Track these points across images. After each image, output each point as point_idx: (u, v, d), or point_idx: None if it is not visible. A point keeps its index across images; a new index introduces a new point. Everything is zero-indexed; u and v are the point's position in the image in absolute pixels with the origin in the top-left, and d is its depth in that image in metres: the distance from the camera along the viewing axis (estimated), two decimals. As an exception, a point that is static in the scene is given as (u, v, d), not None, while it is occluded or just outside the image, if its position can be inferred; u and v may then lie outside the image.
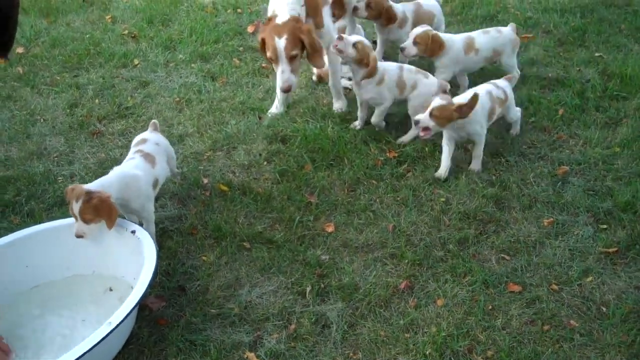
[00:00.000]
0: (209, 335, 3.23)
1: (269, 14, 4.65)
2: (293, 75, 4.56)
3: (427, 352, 3.04)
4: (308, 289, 3.46)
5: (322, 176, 4.35)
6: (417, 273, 3.55)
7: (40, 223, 3.76)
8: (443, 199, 4.09)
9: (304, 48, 4.57)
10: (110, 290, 3.50)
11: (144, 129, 4.63)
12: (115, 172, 3.64)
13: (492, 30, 5.23)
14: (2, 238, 3.58)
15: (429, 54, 5.01)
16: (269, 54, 4.54)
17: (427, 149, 4.59)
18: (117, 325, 2.84)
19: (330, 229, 3.89)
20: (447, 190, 4.18)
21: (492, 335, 3.14)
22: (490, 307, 3.30)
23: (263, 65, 5.97)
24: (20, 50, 6.53)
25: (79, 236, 3.36)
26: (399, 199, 4.13)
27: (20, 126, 5.19)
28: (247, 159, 4.60)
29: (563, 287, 3.40)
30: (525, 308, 3.29)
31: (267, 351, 3.11)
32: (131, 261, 3.40)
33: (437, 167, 4.36)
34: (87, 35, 6.91)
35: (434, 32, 5.00)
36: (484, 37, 5.16)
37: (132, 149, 3.99)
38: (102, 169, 4.42)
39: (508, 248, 3.69)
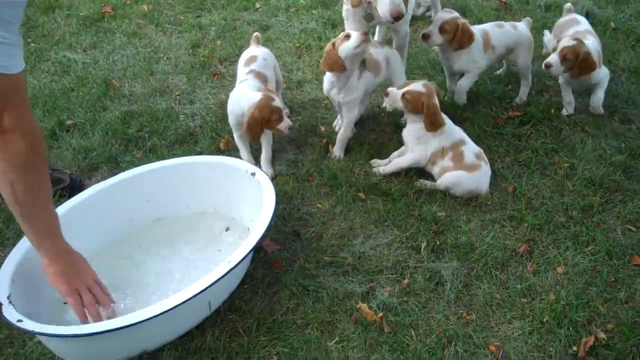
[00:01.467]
0: (322, 282, 3.24)
1: None
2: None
3: (544, 320, 2.96)
4: (423, 244, 3.42)
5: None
6: (536, 238, 3.45)
7: (162, 159, 3.84)
8: (567, 164, 3.94)
9: None
10: (227, 230, 3.55)
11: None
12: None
13: (507, 25, 4.62)
14: (126, 172, 3.69)
15: (456, 46, 4.32)
16: None
17: (552, 110, 4.42)
18: (237, 265, 2.89)
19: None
20: (571, 155, 4.01)
21: (614, 307, 3.03)
22: (613, 279, 3.18)
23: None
24: (145, -12, 6.66)
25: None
26: (520, 160, 4.00)
27: (144, 63, 5.31)
28: (365, 110, 4.54)
29: (693, 264, 3.24)
30: (651, 283, 3.15)
31: (380, 303, 3.10)
32: (249, 203, 3.45)
33: (562, 130, 4.21)
34: (211, -24, 6.95)
35: (464, 20, 4.35)
36: (498, 31, 4.55)
37: (244, 69, 4.18)
38: (222, 110, 4.48)
39: (635, 219, 3.53)
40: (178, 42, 5.64)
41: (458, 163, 3.75)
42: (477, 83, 4.67)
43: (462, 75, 4.55)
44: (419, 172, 3.93)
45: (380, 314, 3.03)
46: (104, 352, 2.83)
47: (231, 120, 4.04)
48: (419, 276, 3.25)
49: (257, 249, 3.33)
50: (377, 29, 5.26)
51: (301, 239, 3.54)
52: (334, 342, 2.93)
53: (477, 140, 4.13)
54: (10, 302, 2.75)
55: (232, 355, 2.89)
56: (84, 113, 4.64)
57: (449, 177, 3.75)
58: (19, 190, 2.58)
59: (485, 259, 3.32)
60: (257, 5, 6.26)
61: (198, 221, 3.65)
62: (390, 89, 3.90)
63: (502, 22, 4.64)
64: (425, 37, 4.30)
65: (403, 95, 3.79)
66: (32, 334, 2.80)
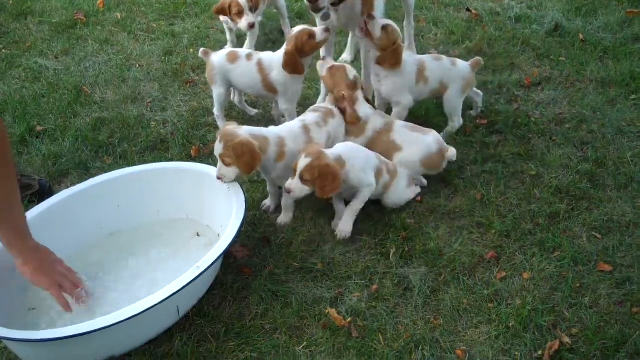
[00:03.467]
0: (291, 288, 3.25)
1: None
2: None
3: (510, 324, 2.99)
4: (392, 250, 3.45)
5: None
6: (504, 244, 3.48)
7: (132, 165, 3.84)
8: (534, 172, 3.98)
9: None
10: (198, 235, 3.55)
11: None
12: None
13: (446, 60, 4.35)
14: (95, 177, 3.68)
15: (388, 64, 4.12)
16: None
17: (520, 119, 4.48)
18: (205, 270, 2.90)
19: (418, 199, 3.85)
20: (539, 163, 4.07)
21: (579, 312, 3.06)
22: (578, 284, 3.22)
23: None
24: (119, -4, 6.66)
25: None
26: (488, 168, 4.04)
27: (116, 70, 5.32)
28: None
29: (656, 270, 3.29)
30: (615, 288, 3.19)
31: (348, 308, 3.12)
32: (219, 209, 3.46)
33: (530, 139, 4.28)
34: (185, -15, 6.97)
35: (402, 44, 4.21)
36: (435, 64, 4.31)
37: None
38: (194, 117, 4.51)
39: (600, 226, 3.58)
40: (151, 49, 5.66)
41: (394, 175, 3.76)
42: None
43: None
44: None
45: (349, 319, 3.05)
46: (71, 357, 2.82)
47: None
48: (387, 282, 3.27)
49: (227, 255, 3.35)
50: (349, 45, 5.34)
51: (271, 245, 3.55)
52: (302, 346, 2.94)
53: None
54: (-25, 307, 2.74)
55: (200, 360, 2.89)
56: (54, 119, 4.64)
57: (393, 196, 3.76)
58: None
59: (453, 264, 3.35)
60: (231, 14, 6.27)
61: (168, 227, 3.64)
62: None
63: (441, 56, 4.42)
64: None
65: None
66: (-1, 339, 2.78)
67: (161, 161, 4.09)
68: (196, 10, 6.41)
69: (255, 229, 3.63)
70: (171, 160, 4.13)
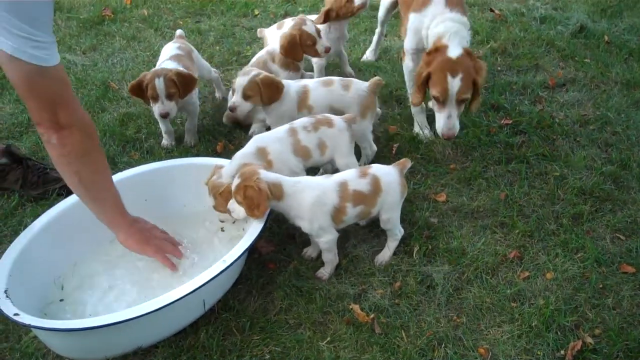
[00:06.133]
0: (315, 284, 3.29)
1: (431, 37, 3.94)
2: (458, 120, 3.87)
3: (533, 324, 3.00)
4: (415, 248, 3.47)
5: (433, 140, 4.32)
6: (527, 244, 3.49)
7: (159, 160, 3.89)
8: (557, 173, 3.99)
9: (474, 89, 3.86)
10: (222, 230, 3.59)
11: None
12: None
13: (337, 83, 4.01)
14: (123, 172, 3.75)
15: (268, 102, 3.95)
16: (434, 92, 3.81)
17: (544, 120, 4.48)
18: (231, 264, 2.94)
19: (441, 199, 3.87)
20: (563, 164, 4.07)
21: (602, 313, 3.07)
22: (601, 285, 3.22)
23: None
24: (146, -8, 6.73)
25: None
26: (512, 168, 4.05)
27: (143, 66, 5.38)
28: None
29: (679, 273, 3.29)
30: (638, 290, 3.19)
31: (372, 305, 3.15)
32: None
33: (554, 139, 4.28)
34: (211, -17, 7.02)
35: (263, 73, 3.97)
36: (322, 90, 4.00)
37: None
38: (219, 114, 4.55)
39: (624, 228, 3.58)
40: (177, 46, 5.69)
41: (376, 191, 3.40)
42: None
43: None
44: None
45: (372, 315, 3.07)
46: (99, 348, 2.86)
47: None
48: (410, 279, 3.29)
49: (252, 250, 3.39)
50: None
51: (295, 242, 3.59)
52: (325, 342, 2.97)
53: (471, 148, 4.20)
54: (7, 296, 2.80)
55: (225, 353, 2.93)
56: (82, 114, 4.68)
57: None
58: (84, 177, 2.89)
59: (476, 263, 3.36)
60: (256, 12, 6.35)
61: (194, 221, 3.69)
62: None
63: (333, 79, 4.07)
64: (233, 109, 3.98)
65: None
66: (28, 328, 2.84)
67: (187, 156, 4.14)
68: (222, 7, 6.46)
69: (280, 225, 3.66)
70: (197, 155, 4.17)
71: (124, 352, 2.91)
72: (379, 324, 3.04)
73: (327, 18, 4.56)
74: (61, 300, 3.17)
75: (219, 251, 3.36)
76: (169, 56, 4.38)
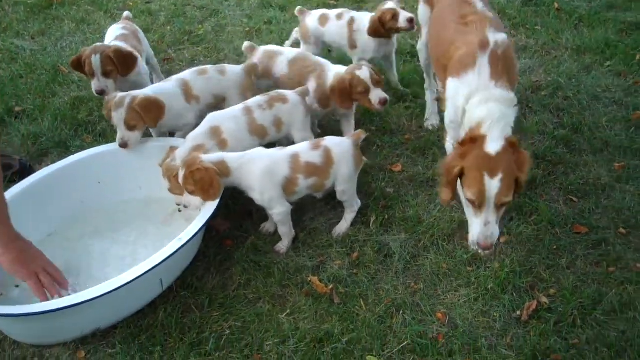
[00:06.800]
0: (273, 258, 3.30)
1: (468, 120, 3.08)
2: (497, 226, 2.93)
3: (489, 287, 3.04)
4: (372, 219, 3.49)
5: (387, 111, 4.34)
6: (482, 210, 3.53)
7: (112, 143, 3.84)
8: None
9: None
10: (179, 211, 3.57)
11: (213, 57, 4.71)
12: None
13: (212, 70, 4.00)
14: (75, 155, 3.70)
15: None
16: (469, 194, 2.91)
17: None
18: (187, 242, 2.93)
19: (397, 169, 3.89)
20: (515, 130, 4.08)
21: (556, 274, 3.13)
22: (555, 246, 3.28)
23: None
24: (94, -25, 6.61)
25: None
26: (466, 136, 4.08)
27: (93, 49, 5.28)
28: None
29: (631, 230, 3.34)
30: (591, 249, 3.25)
31: (330, 276, 3.16)
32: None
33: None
34: (160, -37, 6.93)
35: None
36: (200, 80, 3.95)
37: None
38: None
39: (576, 190, 3.63)
40: (127, 27, 5.62)
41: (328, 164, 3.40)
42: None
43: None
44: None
45: (331, 286, 3.09)
46: (57, 331, 2.84)
47: None
48: (368, 249, 3.31)
49: (209, 228, 3.37)
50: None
51: (252, 218, 3.58)
52: (285, 314, 2.98)
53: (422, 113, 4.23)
54: (-40, 284, 2.76)
55: (184, 331, 2.92)
56: (32, 99, 4.63)
57: None
58: None
59: (432, 230, 3.39)
60: (207, -10, 6.27)
61: (150, 203, 3.67)
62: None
63: (208, 68, 4.05)
64: (124, 145, 3.67)
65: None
66: (-18, 315, 2.80)
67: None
68: (172, -13, 6.38)
69: (236, 202, 3.65)
70: (151, 136, 4.12)
71: (82, 335, 2.88)
72: (337, 294, 3.06)
73: (376, 32, 4.30)
74: (17, 286, 3.12)
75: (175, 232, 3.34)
76: (114, 37, 4.31)
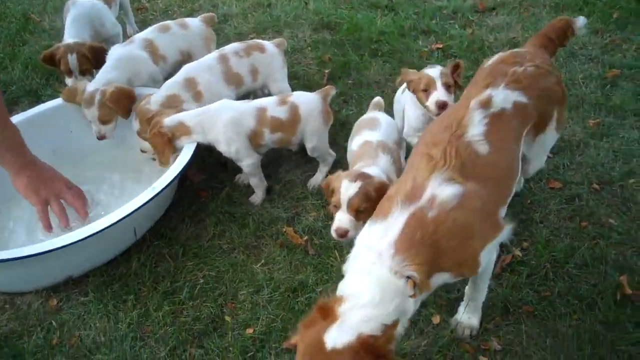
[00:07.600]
0: (248, 209, 3.28)
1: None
2: None
3: (463, 239, 3.06)
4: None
5: (365, 66, 4.30)
6: (457, 164, 3.53)
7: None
8: (488, 95, 4.02)
9: None
10: (153, 159, 3.52)
11: (187, 7, 4.63)
12: None
13: (174, 26, 3.97)
14: (46, 103, 3.65)
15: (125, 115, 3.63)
16: None
17: (475, 44, 4.50)
18: (161, 191, 2.90)
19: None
20: (492, 85, 4.10)
21: (530, 227, 3.15)
22: (529, 201, 3.29)
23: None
24: None
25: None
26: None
27: (63, -1, 5.18)
28: (291, 44, 4.54)
29: (604, 186, 3.37)
30: (565, 204, 3.27)
31: (305, 227, 3.16)
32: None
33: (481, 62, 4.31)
34: None
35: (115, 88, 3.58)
36: (164, 37, 3.91)
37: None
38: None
39: (552, 145, 3.64)
40: (101, -24, 5.49)
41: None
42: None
43: None
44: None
45: (306, 237, 3.09)
46: (28, 278, 2.82)
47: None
48: (343, 201, 3.30)
49: (183, 179, 3.35)
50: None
51: (227, 169, 3.56)
52: (259, 264, 2.98)
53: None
54: None
55: (158, 280, 2.91)
56: (2, 47, 4.55)
57: None
58: None
59: (408, 184, 3.38)
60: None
61: (123, 152, 3.63)
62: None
63: (169, 23, 4.01)
64: (102, 138, 3.61)
65: None
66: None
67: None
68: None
69: (211, 153, 3.61)
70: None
71: (54, 282, 2.87)
72: (312, 246, 3.06)
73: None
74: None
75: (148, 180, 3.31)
76: None
